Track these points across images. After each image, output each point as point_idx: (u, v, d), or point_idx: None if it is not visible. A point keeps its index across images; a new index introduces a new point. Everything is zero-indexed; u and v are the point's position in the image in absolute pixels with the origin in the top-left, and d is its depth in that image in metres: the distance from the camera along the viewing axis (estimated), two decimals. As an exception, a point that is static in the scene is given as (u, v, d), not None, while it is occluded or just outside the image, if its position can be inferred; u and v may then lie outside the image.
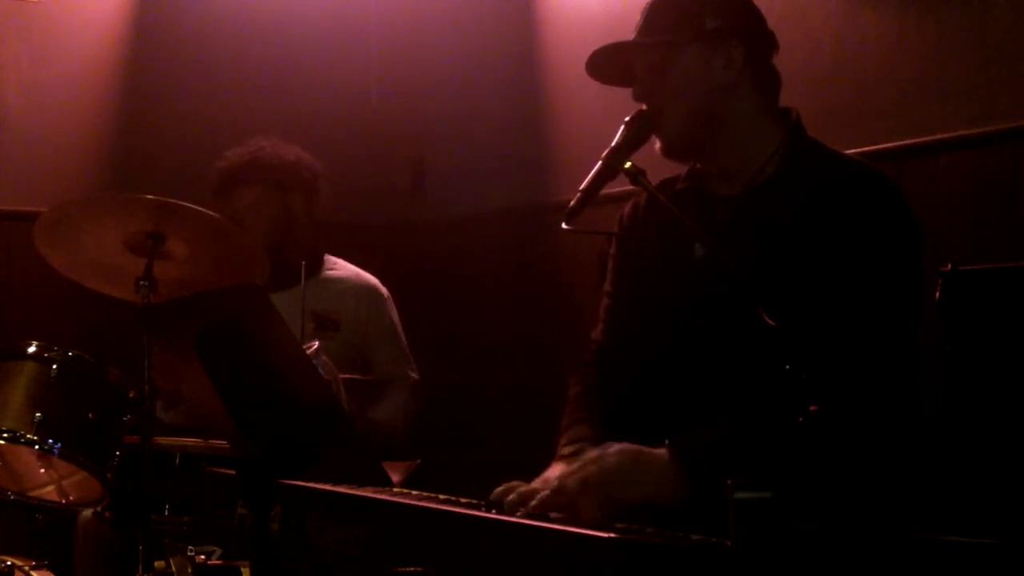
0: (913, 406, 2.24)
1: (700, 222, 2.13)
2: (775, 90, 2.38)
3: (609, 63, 2.38)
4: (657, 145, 2.34)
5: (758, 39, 2.36)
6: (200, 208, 3.10)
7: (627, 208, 2.53)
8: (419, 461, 3.11)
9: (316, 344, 3.01)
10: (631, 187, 2.20)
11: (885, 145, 3.34)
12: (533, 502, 2.03)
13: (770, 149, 2.32)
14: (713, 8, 2.32)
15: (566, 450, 2.33)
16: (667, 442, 2.09)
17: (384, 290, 4.05)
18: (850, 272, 2.16)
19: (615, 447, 2.08)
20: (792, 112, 2.38)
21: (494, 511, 1.94)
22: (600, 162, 2.15)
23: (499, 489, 2.12)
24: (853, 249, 2.17)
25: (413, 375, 4.01)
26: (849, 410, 2.03)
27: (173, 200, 3.06)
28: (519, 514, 1.99)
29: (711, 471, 2.02)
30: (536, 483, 2.19)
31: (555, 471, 2.25)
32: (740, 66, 2.31)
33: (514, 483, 2.15)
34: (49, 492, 3.30)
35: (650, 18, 2.35)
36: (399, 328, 4.03)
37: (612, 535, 1.57)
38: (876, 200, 2.22)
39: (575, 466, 2.06)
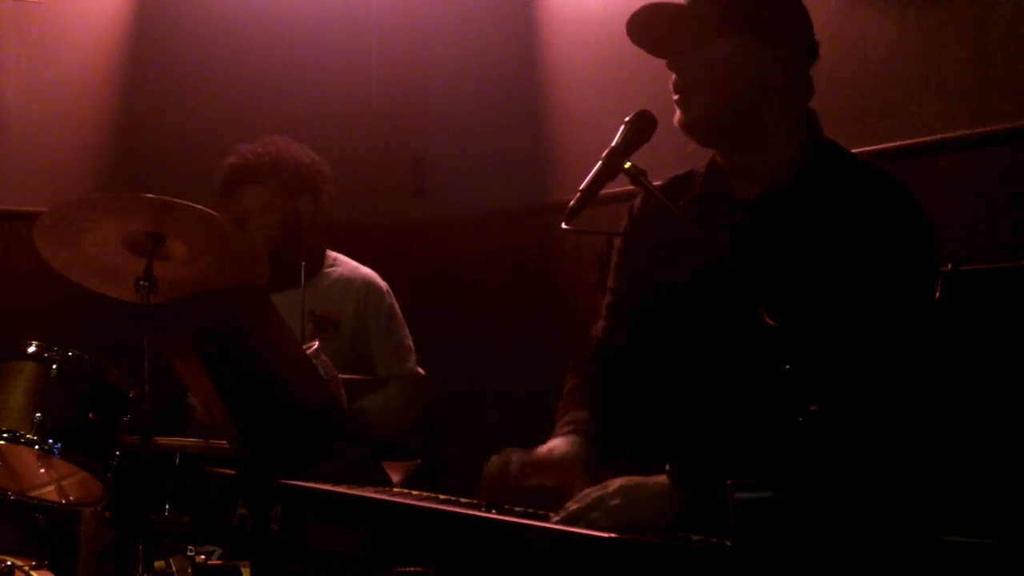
0: (919, 410, 2.24)
1: (718, 224, 2.13)
2: (807, 99, 2.38)
3: (652, 26, 2.35)
4: (676, 117, 2.32)
5: (805, 46, 2.36)
6: (200, 207, 3.10)
7: (637, 201, 2.53)
8: (419, 461, 3.11)
9: (316, 344, 3.01)
10: (631, 187, 2.20)
11: (885, 145, 3.34)
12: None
13: (791, 151, 2.33)
14: (772, 4, 2.32)
15: (563, 429, 2.35)
16: (667, 468, 2.09)
17: (382, 284, 4.02)
18: (862, 277, 2.16)
19: (615, 482, 2.05)
20: (812, 113, 2.38)
21: (494, 511, 1.94)
22: (600, 162, 2.15)
23: (495, 460, 2.15)
24: (866, 254, 2.17)
25: (415, 370, 3.99)
26: (855, 411, 2.03)
27: (173, 200, 3.05)
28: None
29: (713, 492, 2.01)
30: (533, 453, 2.23)
31: (551, 444, 2.28)
32: (783, 67, 2.31)
33: (509, 450, 2.18)
34: (49, 492, 3.29)
35: None
36: (399, 321, 4.00)
37: (612, 535, 1.57)
38: (891, 206, 2.23)
39: (580, 506, 2.02)
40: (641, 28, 2.36)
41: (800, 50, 2.35)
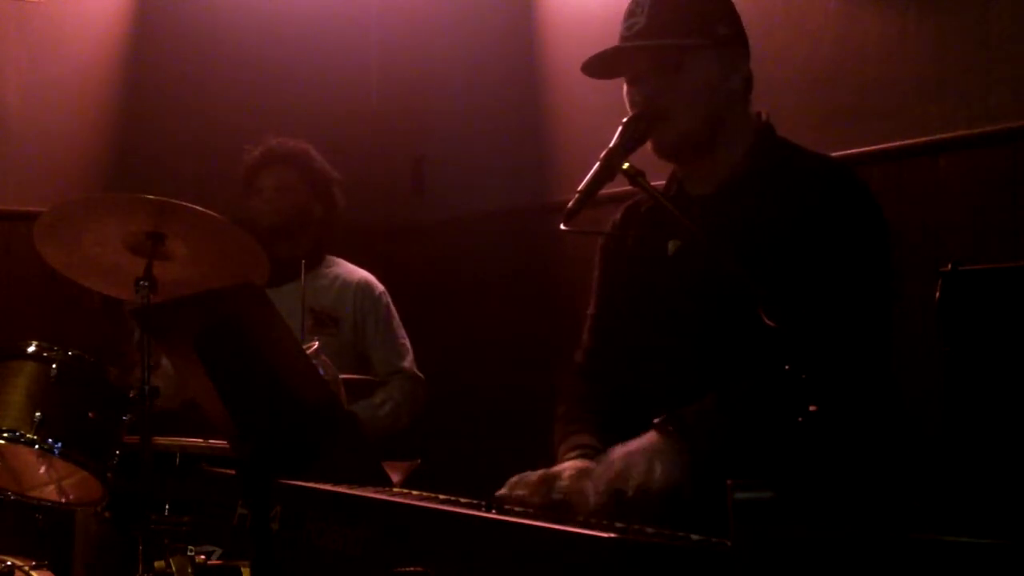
0: (895, 393, 2.26)
1: (679, 225, 2.14)
2: (750, 93, 2.42)
3: (608, 61, 2.38)
4: (651, 145, 2.34)
5: (746, 45, 2.41)
6: (200, 208, 3.10)
7: (617, 215, 2.56)
8: (419, 461, 3.11)
9: (316, 344, 3.01)
10: (630, 187, 2.20)
11: (885, 145, 3.34)
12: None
13: (744, 150, 2.36)
14: (722, 14, 2.36)
15: (569, 455, 2.34)
16: (655, 423, 2.14)
17: (380, 286, 4.05)
18: (820, 263, 2.19)
19: (615, 451, 2.10)
20: (763, 114, 2.42)
21: (494, 511, 1.94)
22: (599, 163, 2.16)
23: (513, 480, 2.15)
24: (822, 240, 2.20)
25: (412, 370, 4.00)
26: (838, 405, 2.04)
27: (172, 200, 3.05)
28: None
29: (701, 431, 2.09)
30: (544, 472, 2.23)
31: (563, 467, 2.28)
32: (745, 73, 2.34)
33: (527, 473, 2.18)
34: (49, 492, 3.29)
35: (656, 17, 2.34)
36: (396, 322, 4.02)
37: (612, 535, 1.57)
38: (841, 192, 2.26)
39: (590, 482, 2.07)
40: (599, 64, 2.38)
41: (746, 51, 2.39)
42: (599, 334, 2.54)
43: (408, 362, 4.00)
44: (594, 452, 2.32)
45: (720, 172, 2.37)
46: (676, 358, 2.33)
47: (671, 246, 2.32)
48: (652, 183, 2.18)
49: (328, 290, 3.95)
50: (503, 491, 2.20)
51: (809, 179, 2.28)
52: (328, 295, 3.93)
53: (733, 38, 2.35)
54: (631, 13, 2.36)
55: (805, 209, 2.22)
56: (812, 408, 1.78)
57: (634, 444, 2.12)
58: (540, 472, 2.22)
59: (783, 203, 2.25)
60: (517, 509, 2.07)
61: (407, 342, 4.02)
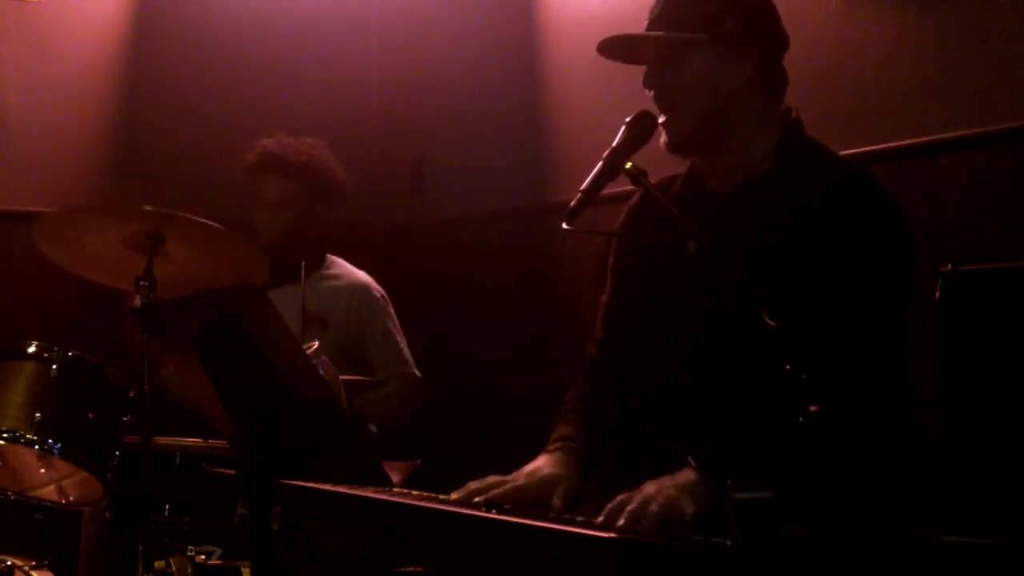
0: (902, 404, 2.26)
1: (695, 220, 2.14)
2: (781, 91, 2.39)
3: (620, 46, 2.39)
4: (662, 139, 2.34)
5: (772, 42, 2.38)
6: (200, 219, 3.10)
7: (622, 216, 2.55)
8: (419, 461, 3.11)
9: (316, 344, 3.01)
10: (631, 187, 2.20)
11: (885, 145, 3.34)
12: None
13: (768, 147, 2.34)
14: (732, 8, 2.33)
15: (550, 447, 2.37)
16: (690, 459, 2.09)
17: (378, 290, 4.04)
18: (839, 271, 2.17)
19: (648, 487, 2.04)
20: (792, 111, 2.39)
21: (494, 511, 1.94)
22: (601, 162, 2.15)
23: (473, 485, 2.16)
24: (842, 248, 2.18)
25: (411, 372, 4.00)
26: (843, 409, 2.04)
27: (172, 212, 3.05)
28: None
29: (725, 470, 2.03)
30: (513, 475, 2.25)
31: (533, 465, 2.30)
32: (751, 72, 2.32)
33: (489, 478, 2.19)
34: (49, 492, 3.29)
35: (667, 9, 2.34)
36: (395, 327, 4.01)
37: (612, 535, 1.57)
38: (865, 200, 2.24)
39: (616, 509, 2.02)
40: (611, 49, 2.40)
41: (767, 47, 2.36)
42: (611, 326, 2.54)
43: (408, 365, 4.00)
44: (570, 445, 2.35)
45: (739, 169, 2.35)
46: (686, 358, 2.32)
47: (691, 245, 2.31)
48: (652, 181, 2.18)
49: (321, 293, 3.93)
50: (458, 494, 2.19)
51: (829, 183, 2.25)
52: (320, 298, 3.91)
53: (741, 35, 2.32)
54: (654, 3, 2.38)
55: (822, 213, 2.20)
56: (813, 408, 1.78)
57: (667, 480, 2.05)
58: (494, 478, 2.23)
59: (801, 205, 2.23)
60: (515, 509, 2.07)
61: (405, 345, 4.02)
